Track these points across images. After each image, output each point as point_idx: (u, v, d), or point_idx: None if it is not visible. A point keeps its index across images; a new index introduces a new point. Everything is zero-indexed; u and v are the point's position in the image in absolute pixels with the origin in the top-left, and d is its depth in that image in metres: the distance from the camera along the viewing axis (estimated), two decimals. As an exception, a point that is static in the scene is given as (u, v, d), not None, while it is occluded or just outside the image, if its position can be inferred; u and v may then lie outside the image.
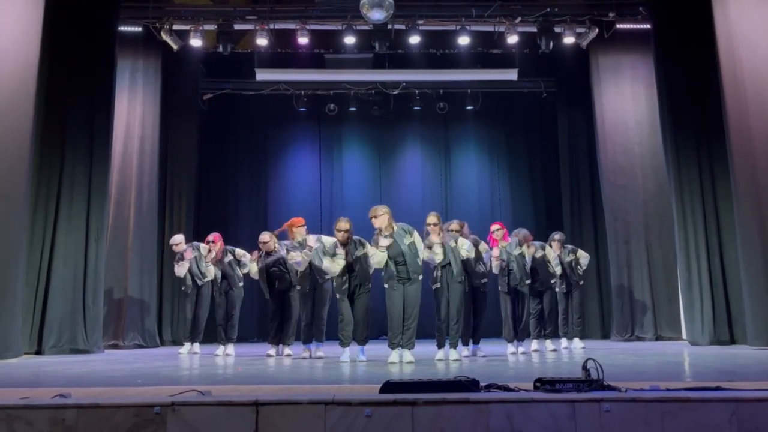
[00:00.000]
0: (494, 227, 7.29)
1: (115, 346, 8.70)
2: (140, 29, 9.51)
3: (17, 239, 7.00)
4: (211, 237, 7.99)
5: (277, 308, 7.45)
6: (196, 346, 7.97)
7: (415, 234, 6.20)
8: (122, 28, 9.10)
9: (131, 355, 7.57)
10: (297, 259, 6.84)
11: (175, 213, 10.21)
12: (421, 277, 6.14)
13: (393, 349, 6.05)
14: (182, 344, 8.10)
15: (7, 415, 2.96)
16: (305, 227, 7.13)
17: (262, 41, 9.59)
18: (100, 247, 8.08)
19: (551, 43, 9.61)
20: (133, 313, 8.99)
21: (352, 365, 5.90)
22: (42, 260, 7.74)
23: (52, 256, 7.78)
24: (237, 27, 9.69)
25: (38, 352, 7.54)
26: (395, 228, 6.13)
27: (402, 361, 5.95)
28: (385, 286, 6.14)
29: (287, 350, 7.36)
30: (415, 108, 11.45)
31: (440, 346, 6.40)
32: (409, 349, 6.05)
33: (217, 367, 5.98)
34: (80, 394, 3.43)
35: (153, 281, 9.39)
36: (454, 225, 6.71)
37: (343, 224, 6.55)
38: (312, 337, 7.04)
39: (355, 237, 6.59)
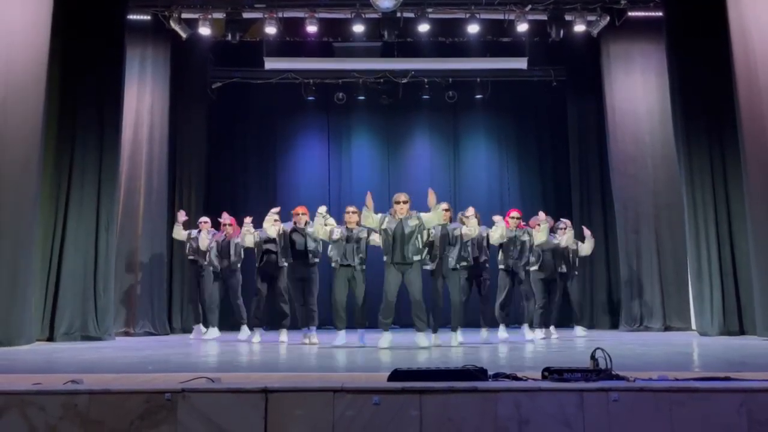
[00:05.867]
0: (513, 213, 7.64)
1: (125, 334, 8.78)
2: (149, 18, 9.49)
3: (29, 227, 7.06)
4: (228, 220, 8.23)
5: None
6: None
7: (423, 216, 6.46)
8: (131, 17, 9.10)
9: (142, 343, 7.63)
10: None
11: (185, 201, 10.23)
12: (418, 257, 6.38)
13: (385, 330, 6.25)
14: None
15: (20, 401, 3.00)
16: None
17: (270, 30, 9.55)
18: (110, 235, 8.14)
19: (561, 32, 9.51)
20: (143, 300, 9.05)
21: (359, 352, 5.95)
22: (53, 248, 7.81)
23: (63, 244, 7.85)
24: (246, 15, 9.65)
25: (50, 339, 7.62)
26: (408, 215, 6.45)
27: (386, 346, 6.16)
28: (385, 258, 6.40)
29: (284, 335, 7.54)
30: (424, 97, 11.39)
31: (433, 330, 6.65)
32: (423, 332, 6.34)
33: (227, 354, 6.03)
34: (92, 380, 3.47)
35: (163, 269, 9.44)
36: (470, 211, 6.96)
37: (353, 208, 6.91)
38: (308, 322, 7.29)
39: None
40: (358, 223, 6.79)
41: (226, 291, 8.25)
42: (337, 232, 6.73)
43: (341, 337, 6.69)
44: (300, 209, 7.30)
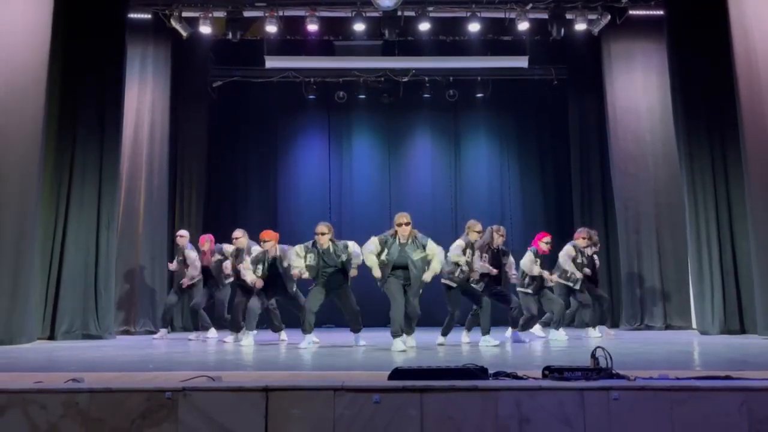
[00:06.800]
0: (546, 239, 7.70)
1: (126, 332, 8.78)
2: (149, 17, 9.48)
3: (30, 227, 7.07)
4: (205, 245, 8.21)
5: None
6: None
7: (429, 247, 6.27)
8: (132, 16, 9.09)
9: (142, 341, 7.65)
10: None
11: (186, 200, 10.24)
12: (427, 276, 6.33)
13: (396, 337, 6.11)
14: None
15: (22, 399, 3.01)
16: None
17: (271, 28, 9.55)
18: (111, 234, 8.14)
19: (562, 30, 9.50)
20: (143, 299, 9.06)
21: (359, 351, 5.95)
22: (54, 247, 7.81)
23: (64, 243, 7.86)
24: (246, 14, 9.64)
25: (51, 338, 7.64)
26: (412, 238, 6.29)
27: (406, 345, 6.11)
28: (380, 276, 6.24)
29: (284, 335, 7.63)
30: (425, 95, 11.38)
31: (444, 333, 6.74)
32: (410, 335, 6.34)
33: (228, 353, 6.03)
34: (93, 378, 3.47)
35: (163, 268, 9.43)
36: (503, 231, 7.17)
37: (324, 228, 6.67)
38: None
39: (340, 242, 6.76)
40: (332, 241, 6.64)
41: (213, 303, 8.24)
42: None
43: (307, 340, 6.59)
44: (266, 236, 7.12)
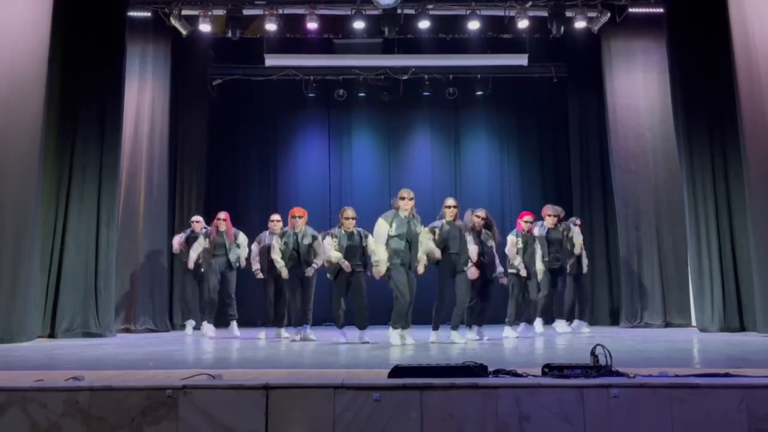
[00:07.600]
0: (526, 217, 7.61)
1: (126, 330, 8.79)
2: (149, 14, 9.48)
3: (30, 224, 7.07)
4: (222, 215, 8.19)
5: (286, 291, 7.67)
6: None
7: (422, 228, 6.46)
8: (132, 14, 9.09)
9: (143, 339, 7.65)
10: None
11: (186, 198, 10.24)
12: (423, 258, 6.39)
13: (396, 329, 6.18)
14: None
15: (22, 397, 3.01)
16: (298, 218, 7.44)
17: (271, 26, 9.55)
18: (111, 232, 8.14)
19: (562, 28, 9.50)
20: (144, 297, 9.05)
21: (359, 349, 5.96)
22: (54, 245, 7.81)
23: (64, 241, 7.86)
24: (246, 12, 9.63)
25: (51, 336, 7.64)
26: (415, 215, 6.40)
27: (405, 342, 6.08)
28: (395, 260, 6.21)
29: (284, 333, 7.69)
30: (425, 93, 11.37)
31: (435, 328, 6.64)
32: (407, 329, 6.31)
33: (228, 351, 6.04)
34: (93, 377, 3.48)
35: (164, 266, 9.45)
36: (481, 213, 7.07)
37: (351, 212, 6.75)
38: (303, 321, 7.34)
39: (359, 228, 6.81)
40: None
41: (222, 286, 8.23)
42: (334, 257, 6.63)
43: (341, 335, 6.72)
44: (297, 211, 7.28)
